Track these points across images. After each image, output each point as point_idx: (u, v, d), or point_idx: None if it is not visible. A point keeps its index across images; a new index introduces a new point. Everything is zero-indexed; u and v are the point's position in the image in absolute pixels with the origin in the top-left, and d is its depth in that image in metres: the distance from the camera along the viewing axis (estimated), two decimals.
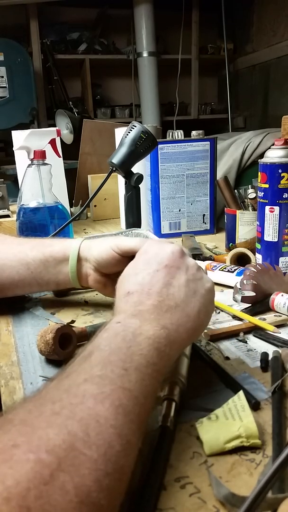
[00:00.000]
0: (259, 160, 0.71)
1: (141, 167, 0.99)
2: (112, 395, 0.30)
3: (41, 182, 0.82)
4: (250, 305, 0.62)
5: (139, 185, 0.73)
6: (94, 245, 0.58)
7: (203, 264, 0.75)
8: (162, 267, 0.42)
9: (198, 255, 0.83)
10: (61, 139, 1.10)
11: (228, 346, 0.53)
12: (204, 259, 0.81)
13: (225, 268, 0.72)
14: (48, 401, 0.29)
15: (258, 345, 0.53)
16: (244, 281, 0.63)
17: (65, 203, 1.09)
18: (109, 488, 0.26)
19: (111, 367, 0.32)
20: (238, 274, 0.69)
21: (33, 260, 0.59)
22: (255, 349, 0.52)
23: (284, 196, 0.68)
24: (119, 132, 1.05)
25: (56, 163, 1.03)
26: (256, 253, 0.75)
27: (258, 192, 0.72)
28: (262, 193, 0.70)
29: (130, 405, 0.30)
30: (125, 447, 0.28)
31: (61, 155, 1.09)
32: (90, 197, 0.76)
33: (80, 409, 0.28)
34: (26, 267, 0.60)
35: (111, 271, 0.56)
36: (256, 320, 0.57)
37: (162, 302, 0.39)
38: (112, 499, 0.26)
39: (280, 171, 0.67)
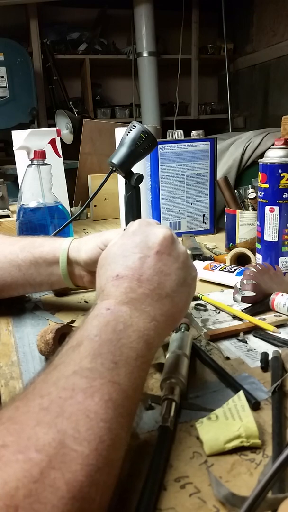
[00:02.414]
0: (259, 160, 0.71)
1: (141, 167, 0.99)
2: (102, 389, 0.30)
3: (41, 182, 0.82)
4: (250, 305, 0.62)
5: (139, 185, 0.73)
6: (83, 247, 0.56)
7: (202, 263, 0.75)
8: (154, 252, 0.41)
9: (198, 255, 0.83)
10: (61, 139, 1.10)
11: (228, 346, 0.53)
12: (204, 259, 0.81)
13: (225, 268, 0.72)
14: (36, 395, 0.28)
15: (258, 345, 0.53)
16: (244, 281, 0.63)
17: (65, 203, 1.09)
18: (99, 482, 0.26)
19: (101, 360, 0.32)
20: (238, 274, 0.69)
21: (24, 261, 0.58)
22: (255, 349, 0.52)
23: (284, 196, 0.68)
24: (119, 132, 1.05)
25: (56, 163, 1.03)
26: (256, 253, 0.74)
27: (258, 192, 0.72)
28: (262, 193, 0.70)
29: (120, 399, 0.30)
30: (115, 441, 0.28)
31: (61, 155, 1.09)
32: (90, 197, 0.75)
33: (70, 404, 0.28)
34: (18, 269, 0.59)
35: None
36: (256, 320, 0.57)
37: (153, 291, 0.39)
38: (103, 493, 0.26)
39: (280, 171, 0.67)
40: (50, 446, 0.25)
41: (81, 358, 0.32)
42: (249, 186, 0.87)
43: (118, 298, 0.38)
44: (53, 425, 0.26)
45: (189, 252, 0.45)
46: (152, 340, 0.36)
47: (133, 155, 0.69)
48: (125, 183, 0.72)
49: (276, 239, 0.70)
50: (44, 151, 0.83)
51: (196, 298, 0.66)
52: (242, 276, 0.64)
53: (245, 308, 0.61)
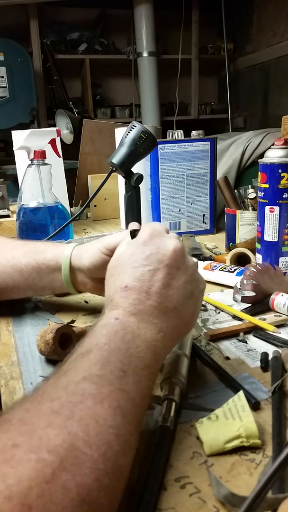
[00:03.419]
0: (259, 160, 0.71)
1: (141, 167, 0.99)
2: (110, 396, 0.30)
3: (41, 182, 0.82)
4: (250, 305, 0.62)
5: (139, 185, 0.73)
6: (85, 253, 0.56)
7: (202, 264, 0.75)
8: (163, 266, 0.41)
9: (198, 255, 0.83)
10: (61, 139, 1.10)
11: (228, 346, 0.53)
12: (204, 259, 0.81)
13: (225, 268, 0.72)
14: (46, 399, 0.29)
15: (258, 345, 0.53)
16: (244, 281, 0.63)
17: (65, 203, 1.09)
18: (108, 487, 0.26)
19: (110, 367, 0.32)
20: (238, 274, 0.69)
21: (26, 266, 0.58)
22: (255, 349, 0.52)
23: (284, 196, 0.68)
24: (119, 132, 1.05)
25: (56, 163, 1.03)
26: (256, 253, 0.75)
27: (258, 192, 0.72)
28: (262, 193, 0.70)
29: (128, 407, 0.31)
30: (123, 447, 0.28)
31: (61, 155, 1.09)
32: (90, 197, 0.76)
33: (80, 408, 0.28)
34: (20, 274, 0.59)
35: None
36: (256, 320, 0.57)
37: (161, 303, 0.39)
38: (112, 498, 0.27)
39: (280, 171, 0.67)
40: (61, 448, 0.25)
41: (90, 365, 0.32)
42: (249, 186, 0.87)
43: (126, 309, 0.38)
44: (64, 427, 0.27)
45: (194, 259, 0.45)
46: (159, 351, 0.37)
47: (133, 155, 0.69)
48: (125, 183, 0.72)
49: (276, 239, 0.70)
50: (44, 151, 0.83)
51: None
52: (242, 276, 0.64)
53: (245, 308, 0.61)
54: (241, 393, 0.40)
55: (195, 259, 0.46)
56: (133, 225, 0.49)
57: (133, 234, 0.46)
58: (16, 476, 0.23)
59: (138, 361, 0.34)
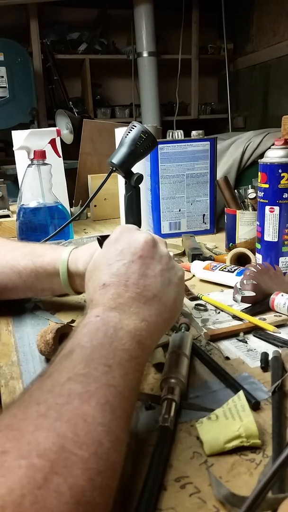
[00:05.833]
0: (259, 160, 0.71)
1: (141, 167, 0.99)
2: (97, 393, 0.30)
3: (41, 182, 0.82)
4: (250, 305, 0.62)
5: (139, 185, 0.73)
6: (80, 259, 0.56)
7: (202, 263, 0.75)
8: (137, 257, 0.41)
9: (198, 255, 0.83)
10: (61, 139, 1.10)
11: (228, 346, 0.53)
12: (204, 259, 0.81)
13: (225, 268, 0.72)
14: (33, 403, 0.28)
15: (258, 345, 0.53)
16: (244, 281, 0.63)
17: (65, 203, 1.09)
18: (102, 485, 0.26)
19: (94, 364, 0.32)
20: (238, 274, 0.69)
21: (24, 269, 0.59)
22: (255, 349, 0.52)
23: (284, 196, 0.68)
24: (119, 132, 1.05)
25: (56, 163, 1.03)
26: (256, 253, 0.75)
27: (258, 192, 0.72)
28: (262, 193, 0.70)
29: (116, 402, 0.30)
30: (114, 444, 0.28)
31: (61, 155, 1.09)
32: (90, 197, 0.75)
33: (67, 409, 0.28)
34: (18, 275, 0.59)
35: None
36: (256, 320, 0.57)
37: (140, 293, 0.39)
38: (106, 496, 0.26)
39: (280, 171, 0.67)
40: (51, 451, 0.25)
41: (74, 365, 0.32)
42: (249, 186, 0.87)
43: (106, 305, 0.38)
44: (52, 429, 0.26)
45: (171, 253, 0.46)
46: (144, 341, 0.37)
47: (133, 155, 0.69)
48: (125, 183, 0.72)
49: (276, 239, 0.70)
50: (44, 151, 0.83)
51: (196, 298, 0.66)
52: (242, 276, 0.64)
53: (245, 308, 0.61)
54: (241, 393, 0.40)
55: (168, 250, 0.46)
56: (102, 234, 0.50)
57: (100, 241, 0.47)
58: (7, 485, 0.23)
59: (123, 353, 0.34)
